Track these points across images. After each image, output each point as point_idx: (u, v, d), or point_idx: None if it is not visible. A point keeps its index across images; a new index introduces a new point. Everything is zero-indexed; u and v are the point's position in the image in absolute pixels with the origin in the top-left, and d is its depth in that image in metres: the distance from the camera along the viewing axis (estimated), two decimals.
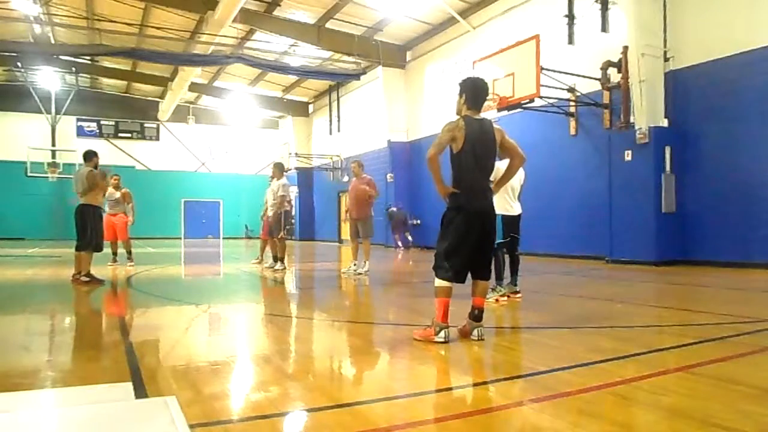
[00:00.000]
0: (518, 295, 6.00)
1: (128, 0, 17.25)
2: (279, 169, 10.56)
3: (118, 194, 11.09)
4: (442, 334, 3.76)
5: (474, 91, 4.02)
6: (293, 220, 26.79)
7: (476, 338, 3.87)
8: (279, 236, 10.17)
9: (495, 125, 4.07)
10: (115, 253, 10.99)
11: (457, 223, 3.89)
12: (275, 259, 10.28)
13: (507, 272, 6.09)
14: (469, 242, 3.87)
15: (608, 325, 4.70)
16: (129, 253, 11.22)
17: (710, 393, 2.69)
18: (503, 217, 5.85)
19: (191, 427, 2.13)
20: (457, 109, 4.06)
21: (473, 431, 2.25)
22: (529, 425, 2.35)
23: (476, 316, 3.92)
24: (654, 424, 2.33)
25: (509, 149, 4.13)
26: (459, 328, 3.98)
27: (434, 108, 17.59)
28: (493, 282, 5.37)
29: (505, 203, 5.85)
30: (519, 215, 6.05)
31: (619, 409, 2.51)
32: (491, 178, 4.14)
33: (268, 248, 11.09)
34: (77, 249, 7.86)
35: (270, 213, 10.40)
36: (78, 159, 23.49)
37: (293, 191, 26.63)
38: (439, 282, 3.89)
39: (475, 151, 3.87)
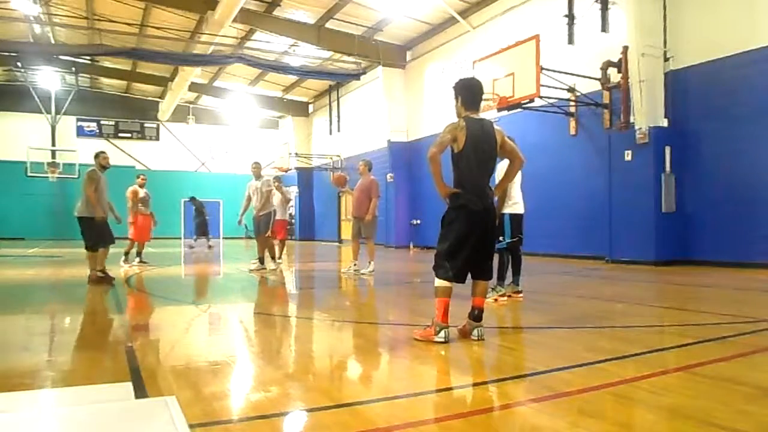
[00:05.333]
0: (520, 295, 6.00)
1: (128, 0, 17.25)
2: (260, 168, 10.84)
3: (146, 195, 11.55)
4: (442, 334, 3.76)
5: (469, 92, 4.03)
6: (289, 220, 26.91)
7: (476, 338, 3.88)
8: (267, 234, 10.21)
9: (495, 126, 4.07)
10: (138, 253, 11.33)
11: (457, 223, 3.89)
12: (261, 259, 10.16)
13: (508, 272, 6.08)
14: (470, 242, 3.86)
15: (608, 325, 4.70)
16: (140, 254, 11.40)
17: (710, 393, 2.68)
18: (512, 216, 5.85)
19: (191, 427, 2.13)
20: (456, 112, 4.06)
21: (473, 431, 2.25)
22: (529, 425, 2.35)
23: (476, 316, 3.92)
24: (654, 424, 2.33)
25: (509, 151, 4.14)
26: (459, 328, 3.98)
27: (434, 108, 17.57)
28: (493, 282, 5.37)
29: (515, 201, 5.84)
30: (523, 214, 6.06)
31: (619, 409, 2.51)
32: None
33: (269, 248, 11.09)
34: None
35: (262, 213, 10.40)
36: (78, 159, 23.83)
37: (293, 191, 26.79)
38: (439, 282, 3.89)
39: (476, 151, 3.87)
